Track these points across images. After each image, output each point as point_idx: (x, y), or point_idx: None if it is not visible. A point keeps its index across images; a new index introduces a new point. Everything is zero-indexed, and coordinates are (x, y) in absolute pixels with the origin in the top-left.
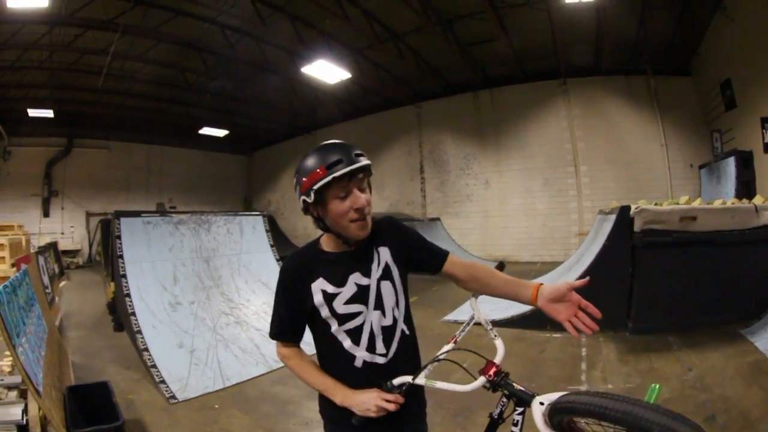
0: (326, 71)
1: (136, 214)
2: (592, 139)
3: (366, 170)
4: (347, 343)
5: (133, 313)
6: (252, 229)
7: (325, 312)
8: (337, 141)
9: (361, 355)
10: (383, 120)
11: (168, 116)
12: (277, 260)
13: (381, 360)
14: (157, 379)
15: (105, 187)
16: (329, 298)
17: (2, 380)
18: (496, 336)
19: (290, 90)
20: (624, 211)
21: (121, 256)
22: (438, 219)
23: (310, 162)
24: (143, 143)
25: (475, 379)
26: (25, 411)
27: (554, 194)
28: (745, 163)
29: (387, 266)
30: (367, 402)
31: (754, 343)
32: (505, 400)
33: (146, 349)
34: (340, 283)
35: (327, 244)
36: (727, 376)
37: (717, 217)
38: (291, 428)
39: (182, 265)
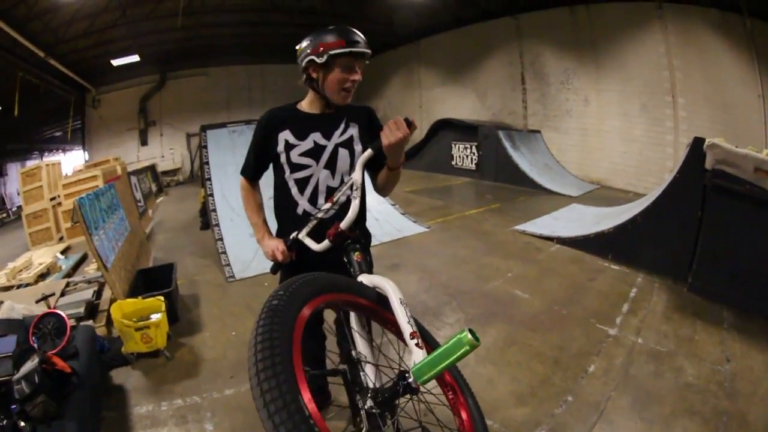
0: None
1: (222, 125)
2: (689, 70)
3: (368, 57)
4: (294, 190)
5: (214, 210)
6: None
7: (283, 158)
8: (350, 27)
9: (303, 204)
10: (482, 31)
11: (262, 38)
12: None
13: (320, 215)
14: (224, 263)
15: (205, 110)
16: (289, 147)
17: (85, 277)
18: (355, 197)
19: (385, 1)
20: (698, 142)
21: (207, 163)
22: (538, 132)
23: (332, 35)
24: (242, 65)
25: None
26: (98, 294)
27: (651, 122)
28: None
29: (351, 138)
30: (268, 248)
31: None
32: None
33: (221, 239)
34: (302, 137)
35: (305, 105)
36: (759, 392)
37: None
38: None
39: None
